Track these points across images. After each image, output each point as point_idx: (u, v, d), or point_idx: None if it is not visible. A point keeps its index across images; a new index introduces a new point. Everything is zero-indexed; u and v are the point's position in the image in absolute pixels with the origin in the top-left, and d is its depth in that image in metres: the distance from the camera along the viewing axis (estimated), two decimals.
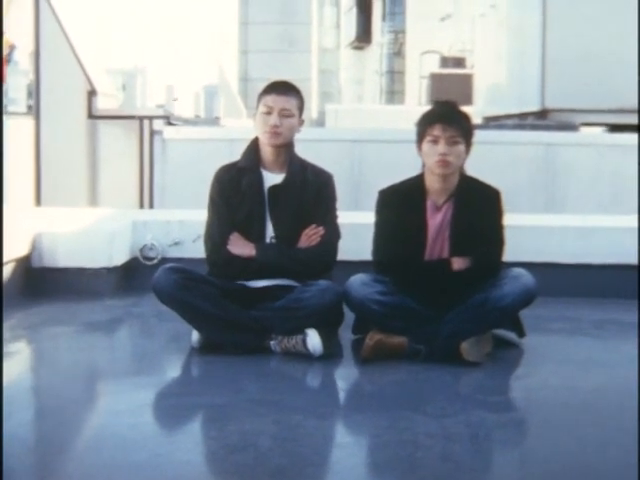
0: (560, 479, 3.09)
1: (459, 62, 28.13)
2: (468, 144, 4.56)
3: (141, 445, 3.33)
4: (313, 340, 4.37)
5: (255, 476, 3.06)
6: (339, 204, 4.85)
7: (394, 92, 39.50)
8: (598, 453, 3.30)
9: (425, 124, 4.55)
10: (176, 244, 6.04)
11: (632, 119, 12.31)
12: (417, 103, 28.94)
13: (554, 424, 3.64)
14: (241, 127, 13.52)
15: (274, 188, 4.72)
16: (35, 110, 11.44)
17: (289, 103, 4.69)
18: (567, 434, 3.51)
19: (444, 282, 4.49)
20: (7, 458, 3.11)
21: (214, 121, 15.23)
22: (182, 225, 6.10)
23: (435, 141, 4.49)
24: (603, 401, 3.96)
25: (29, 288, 5.73)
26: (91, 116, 11.31)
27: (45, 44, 11.24)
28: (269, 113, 4.66)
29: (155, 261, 5.98)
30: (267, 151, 4.74)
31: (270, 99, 4.68)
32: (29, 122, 12.95)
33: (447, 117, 4.53)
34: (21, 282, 5.68)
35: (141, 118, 11.22)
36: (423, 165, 4.62)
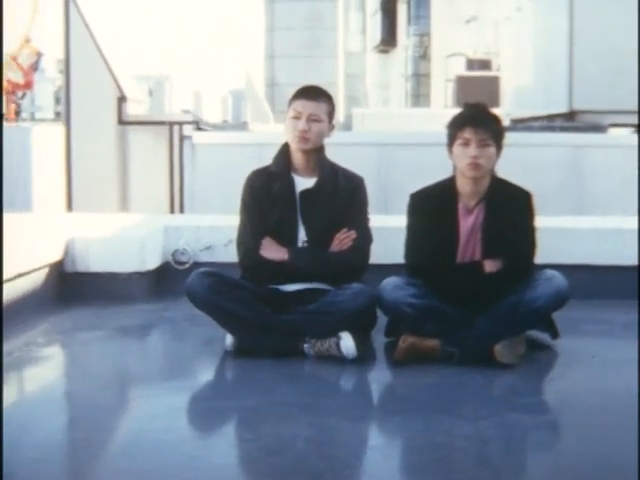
0: None
1: (485, 64, 28.10)
2: (499, 146, 4.56)
3: (177, 448, 3.34)
4: (347, 343, 4.38)
5: (291, 479, 3.07)
6: (369, 207, 4.86)
7: (420, 95, 39.45)
8: (631, 455, 3.29)
9: (456, 127, 4.55)
10: (207, 249, 6.07)
11: None
12: (443, 106, 28.90)
13: (588, 426, 3.63)
14: (269, 132, 13.55)
15: (305, 193, 4.73)
16: (65, 116, 11.51)
17: (318, 108, 4.70)
18: (601, 436, 3.50)
19: (477, 285, 4.49)
20: (43, 463, 3.15)
21: (242, 126, 15.25)
22: (213, 230, 6.12)
23: (466, 144, 4.50)
24: (636, 403, 3.94)
25: (62, 293, 5.76)
26: (121, 122, 11.35)
27: (75, 51, 11.30)
28: (298, 118, 4.67)
29: (187, 265, 6.00)
30: (298, 156, 4.75)
31: (299, 104, 4.70)
32: (57, 128, 13.02)
33: (478, 120, 4.53)
34: (54, 287, 5.72)
35: (171, 124, 11.26)
36: (454, 168, 4.62)
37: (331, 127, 4.78)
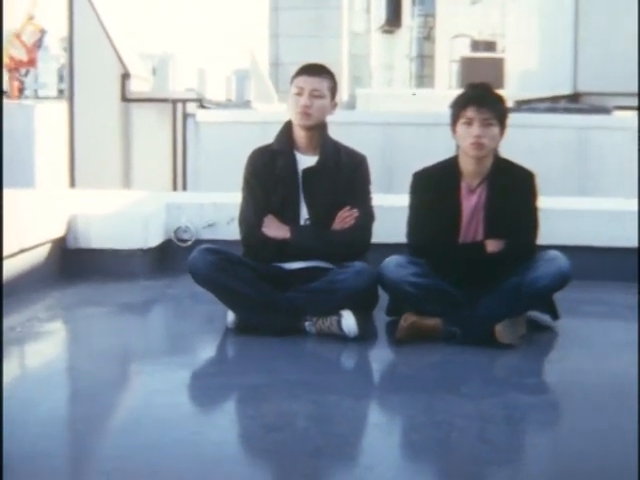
0: (594, 462, 3.09)
1: (490, 46, 28.01)
2: (502, 126, 4.55)
3: (178, 424, 3.35)
4: (348, 321, 4.38)
5: (292, 455, 3.08)
6: (372, 186, 4.85)
7: (424, 76, 39.36)
8: (631, 436, 3.29)
9: (459, 106, 4.54)
10: (210, 226, 6.07)
11: None
12: (447, 87, 28.83)
13: (588, 406, 3.64)
14: (272, 111, 13.54)
15: (308, 170, 4.72)
16: (69, 93, 11.50)
17: (320, 84, 4.69)
18: (601, 417, 3.51)
19: (479, 264, 4.49)
20: (45, 438, 3.16)
21: (246, 104, 15.24)
22: (216, 207, 6.12)
23: (469, 123, 4.49)
24: (636, 384, 3.95)
25: (65, 269, 5.77)
26: (124, 99, 11.34)
27: (79, 28, 11.29)
28: (300, 94, 4.66)
29: (189, 243, 6.01)
30: (300, 134, 4.74)
31: (301, 80, 4.69)
32: (60, 106, 13.01)
33: (481, 99, 4.52)
34: (57, 263, 5.74)
35: (174, 101, 11.26)
36: (457, 147, 4.61)
37: (333, 104, 4.77)
